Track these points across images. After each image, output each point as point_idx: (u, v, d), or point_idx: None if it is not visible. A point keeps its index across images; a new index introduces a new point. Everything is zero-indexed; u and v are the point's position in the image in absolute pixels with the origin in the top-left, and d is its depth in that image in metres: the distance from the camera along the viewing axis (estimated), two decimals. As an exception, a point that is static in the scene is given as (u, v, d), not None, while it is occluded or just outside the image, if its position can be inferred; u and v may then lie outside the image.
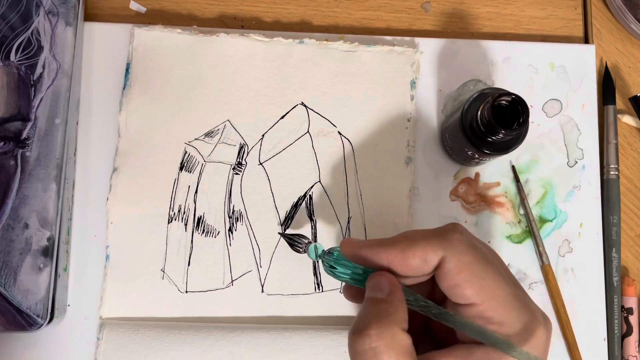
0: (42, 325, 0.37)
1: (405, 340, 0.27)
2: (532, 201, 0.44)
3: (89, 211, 0.41)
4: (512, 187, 0.44)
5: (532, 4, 0.48)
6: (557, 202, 0.44)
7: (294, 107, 0.43)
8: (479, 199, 0.44)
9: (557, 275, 0.43)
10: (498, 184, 0.44)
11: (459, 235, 0.29)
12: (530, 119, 0.40)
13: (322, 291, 0.41)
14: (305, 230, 0.42)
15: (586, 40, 0.48)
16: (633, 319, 0.44)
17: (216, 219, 0.41)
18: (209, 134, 0.42)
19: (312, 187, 0.42)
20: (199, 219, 0.41)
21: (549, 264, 0.43)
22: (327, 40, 0.44)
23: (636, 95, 0.47)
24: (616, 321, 0.43)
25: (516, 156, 0.44)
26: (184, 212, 0.41)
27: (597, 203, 0.45)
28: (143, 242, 0.41)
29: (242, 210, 0.42)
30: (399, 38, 0.45)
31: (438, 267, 0.29)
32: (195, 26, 0.44)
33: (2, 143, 0.39)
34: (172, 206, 0.41)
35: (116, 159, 0.42)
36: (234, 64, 0.43)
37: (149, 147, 0.42)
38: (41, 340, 0.40)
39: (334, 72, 0.44)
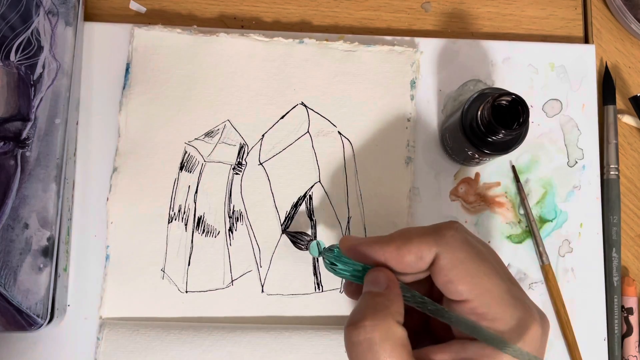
0: (42, 325, 0.37)
1: (400, 333, 0.27)
2: (532, 201, 0.44)
3: (89, 211, 0.41)
4: (512, 187, 0.44)
5: (532, 4, 0.48)
6: (557, 202, 0.44)
7: (294, 107, 0.43)
8: (479, 199, 0.44)
9: (557, 275, 0.43)
10: (498, 184, 0.44)
11: (453, 232, 0.29)
12: (530, 119, 0.40)
13: (322, 291, 0.41)
14: (305, 230, 0.42)
15: (586, 40, 0.48)
16: (633, 319, 0.44)
17: (216, 219, 0.41)
18: (209, 134, 0.42)
19: (312, 187, 0.42)
20: (199, 219, 0.41)
21: (549, 264, 0.43)
22: (327, 40, 0.44)
23: (636, 95, 0.47)
24: (616, 321, 0.43)
25: (516, 156, 0.44)
26: (184, 212, 0.41)
27: (597, 203, 0.45)
28: (143, 242, 0.41)
29: (242, 210, 0.42)
30: (399, 38, 0.45)
31: (433, 264, 0.29)
32: (195, 26, 0.44)
33: (2, 143, 0.39)
34: (172, 206, 0.41)
35: (116, 159, 0.42)
36: (234, 64, 0.43)
37: (149, 147, 0.42)
38: (41, 340, 0.40)
39: (334, 72, 0.44)
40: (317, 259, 0.41)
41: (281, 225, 0.42)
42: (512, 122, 0.36)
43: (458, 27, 0.47)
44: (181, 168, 0.42)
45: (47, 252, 0.38)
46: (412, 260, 0.29)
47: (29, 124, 0.39)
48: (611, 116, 0.46)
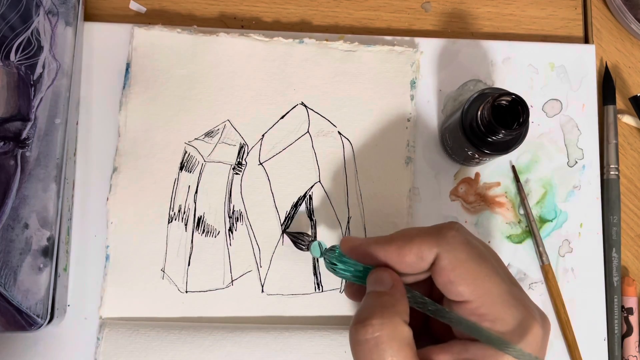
0: (42, 325, 0.37)
1: (407, 332, 0.27)
2: (532, 201, 0.44)
3: (89, 211, 0.41)
4: (512, 187, 0.44)
5: (532, 4, 0.48)
6: (557, 202, 0.44)
7: (294, 107, 0.43)
8: (479, 199, 0.44)
9: (557, 275, 0.43)
10: (498, 184, 0.44)
11: (454, 233, 0.29)
12: (530, 119, 0.40)
13: (322, 291, 0.41)
14: (305, 230, 0.42)
15: (586, 40, 0.48)
16: (633, 319, 0.44)
17: (216, 219, 0.41)
18: (209, 134, 0.42)
19: (312, 187, 0.42)
20: (199, 219, 0.41)
21: (549, 264, 0.43)
22: (327, 40, 0.44)
23: (636, 95, 0.47)
24: (616, 321, 0.43)
25: (516, 156, 0.44)
26: (184, 212, 0.41)
27: (597, 203, 0.45)
28: (143, 242, 0.41)
29: (242, 210, 0.42)
30: (399, 38, 0.45)
31: (433, 264, 0.29)
32: (195, 26, 0.44)
33: (2, 143, 0.39)
34: (172, 206, 0.41)
35: (116, 159, 0.42)
36: (233, 63, 0.43)
37: (149, 147, 0.42)
38: (41, 340, 0.40)
39: (334, 72, 0.44)
40: (317, 259, 0.41)
41: (281, 225, 0.42)
42: (512, 122, 0.36)
43: (458, 27, 0.47)
44: (181, 168, 0.42)
45: (47, 252, 0.38)
46: (413, 260, 0.29)
47: (29, 124, 0.39)
48: (611, 116, 0.46)
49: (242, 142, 0.42)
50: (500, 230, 0.44)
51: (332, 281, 0.41)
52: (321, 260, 0.41)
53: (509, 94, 0.36)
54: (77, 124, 0.42)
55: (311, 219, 0.42)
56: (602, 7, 0.49)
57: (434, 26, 0.47)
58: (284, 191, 0.42)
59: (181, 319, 0.40)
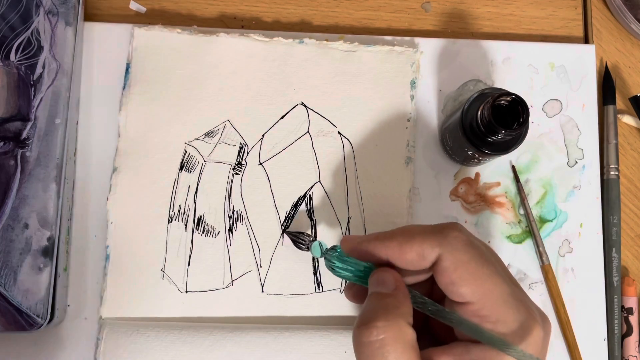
0: (42, 325, 0.37)
1: (411, 334, 0.27)
2: (532, 201, 0.44)
3: (89, 211, 0.41)
4: (512, 187, 0.44)
5: (532, 4, 0.48)
6: (557, 202, 0.44)
7: (294, 107, 0.43)
8: (479, 199, 0.44)
9: (557, 275, 0.43)
10: (498, 184, 0.44)
11: (457, 233, 0.29)
12: (530, 119, 0.40)
13: (322, 291, 0.41)
14: (305, 230, 0.42)
15: (586, 40, 0.48)
16: (633, 319, 0.44)
17: (216, 219, 0.41)
18: (209, 134, 0.42)
19: (312, 187, 0.42)
20: (199, 219, 0.41)
21: (549, 264, 0.43)
22: (327, 40, 0.44)
23: (636, 95, 0.47)
24: (616, 321, 0.43)
25: (516, 156, 0.44)
26: (184, 212, 0.41)
27: (597, 203, 0.45)
28: (143, 242, 0.41)
29: (242, 210, 0.42)
30: (399, 38, 0.45)
31: (435, 264, 0.29)
32: (195, 26, 0.44)
33: (2, 143, 0.39)
34: (172, 206, 0.41)
35: (116, 159, 0.42)
36: (233, 64, 0.43)
37: (149, 147, 0.42)
38: (41, 340, 0.40)
39: (334, 72, 0.44)
40: (317, 259, 0.41)
41: (281, 225, 0.42)
42: (512, 122, 0.36)
43: (458, 27, 0.47)
44: (181, 168, 0.42)
45: (47, 252, 0.38)
46: (414, 258, 0.29)
47: (29, 124, 0.39)
48: (611, 116, 0.46)
49: (242, 142, 0.42)
50: (500, 230, 0.44)
51: (332, 281, 0.41)
52: (321, 260, 0.41)
53: (509, 94, 0.36)
54: (77, 124, 0.42)
55: (311, 219, 0.42)
56: (602, 7, 0.49)
57: (434, 26, 0.47)
58: (284, 191, 0.42)
59: (181, 319, 0.40)
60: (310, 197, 0.42)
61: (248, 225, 0.42)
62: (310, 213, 0.42)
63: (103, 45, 0.43)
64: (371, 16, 0.47)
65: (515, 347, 0.26)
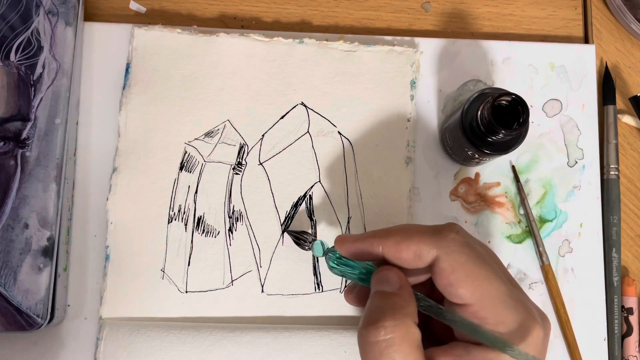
0: (42, 325, 0.37)
1: (417, 334, 0.27)
2: (532, 201, 0.44)
3: (89, 211, 0.41)
4: (512, 187, 0.44)
5: (532, 4, 0.48)
6: (557, 202, 0.44)
7: (294, 107, 0.43)
8: (479, 199, 0.44)
9: (557, 275, 0.43)
10: (498, 184, 0.44)
11: (454, 235, 0.29)
12: (530, 119, 0.40)
13: (322, 291, 0.41)
14: (305, 230, 0.42)
15: (586, 40, 0.48)
16: (633, 319, 0.44)
17: (216, 219, 0.41)
18: (209, 134, 0.42)
19: (312, 187, 0.42)
20: (199, 219, 0.41)
21: (549, 264, 0.43)
22: (327, 40, 0.44)
23: (636, 95, 0.47)
24: (616, 321, 0.43)
25: (516, 156, 0.44)
26: (184, 212, 0.41)
27: (597, 203, 0.45)
28: (143, 242, 0.41)
29: (242, 210, 0.42)
30: (399, 38, 0.45)
31: (433, 266, 0.29)
32: (195, 26, 0.44)
33: (2, 143, 0.39)
34: (172, 206, 0.41)
35: (116, 159, 0.42)
36: (233, 63, 0.43)
37: (149, 147, 0.42)
38: (41, 340, 0.40)
39: (334, 72, 0.44)
40: (318, 259, 0.41)
41: (281, 225, 0.42)
42: (512, 122, 0.36)
43: (458, 27, 0.47)
44: (181, 168, 0.42)
45: (47, 252, 0.38)
46: (410, 257, 0.29)
47: (29, 124, 0.39)
48: (611, 116, 0.46)
49: (242, 142, 0.42)
50: (500, 230, 0.44)
51: (332, 281, 0.41)
52: (322, 260, 0.41)
53: (509, 94, 0.36)
54: (77, 124, 0.42)
55: (311, 219, 0.42)
56: (602, 7, 0.49)
57: (434, 26, 0.47)
58: (284, 191, 0.42)
59: (181, 319, 0.40)
60: (310, 197, 0.42)
61: (248, 225, 0.42)
62: (310, 213, 0.42)
63: (103, 45, 0.43)
64: (371, 16, 0.47)
65: (515, 348, 0.26)
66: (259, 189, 0.42)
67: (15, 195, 0.38)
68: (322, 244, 0.36)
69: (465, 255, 0.29)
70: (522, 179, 0.44)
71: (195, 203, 0.41)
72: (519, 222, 0.44)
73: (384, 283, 0.29)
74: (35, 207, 0.38)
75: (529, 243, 0.44)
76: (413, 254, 0.29)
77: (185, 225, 0.41)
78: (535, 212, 0.44)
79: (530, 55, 0.46)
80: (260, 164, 0.42)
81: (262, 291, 0.41)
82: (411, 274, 0.31)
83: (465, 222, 0.43)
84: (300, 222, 0.42)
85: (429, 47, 0.45)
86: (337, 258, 0.33)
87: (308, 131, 0.43)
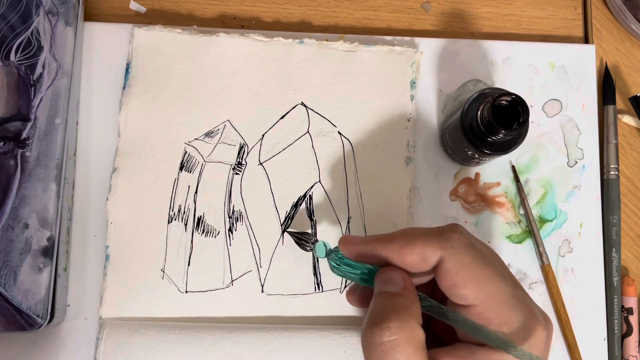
0: (42, 325, 0.37)
1: (422, 335, 0.27)
2: (532, 201, 0.44)
3: (89, 211, 0.41)
4: (512, 187, 0.44)
5: (532, 4, 0.48)
6: (557, 202, 0.44)
7: (294, 107, 0.43)
8: (479, 199, 0.44)
9: (557, 275, 0.43)
10: (498, 184, 0.44)
11: (458, 236, 0.29)
12: (530, 119, 0.40)
13: (322, 291, 0.41)
14: (305, 230, 0.42)
15: (586, 40, 0.48)
16: (633, 319, 0.44)
17: (216, 219, 0.41)
18: (209, 134, 0.42)
19: (312, 187, 0.42)
20: (199, 219, 0.41)
21: (549, 264, 0.43)
22: (327, 40, 0.44)
23: (636, 95, 0.47)
24: (616, 321, 0.43)
25: (516, 156, 0.44)
26: (184, 212, 0.41)
27: (597, 203, 0.45)
28: (143, 242, 0.41)
29: (242, 210, 0.42)
30: (399, 38, 0.45)
31: (437, 267, 0.29)
32: (195, 26, 0.44)
33: (2, 143, 0.39)
34: (172, 206, 0.41)
35: (116, 159, 0.42)
36: (233, 64, 0.43)
37: (149, 147, 0.42)
38: (41, 340, 0.40)
39: (334, 72, 0.44)
40: (318, 259, 0.41)
41: (281, 225, 0.42)
42: (512, 122, 0.36)
43: (458, 27, 0.47)
44: (181, 168, 0.42)
45: (47, 252, 0.38)
46: (415, 261, 0.29)
47: (29, 124, 0.39)
48: (611, 116, 0.46)
49: (242, 142, 0.42)
50: (500, 230, 0.44)
51: (332, 281, 0.41)
52: (322, 260, 0.41)
53: (509, 94, 0.36)
54: (77, 124, 0.42)
55: (311, 219, 0.42)
56: (602, 7, 0.49)
57: (434, 26, 0.47)
58: (284, 191, 0.42)
59: (181, 319, 0.40)
60: (310, 197, 0.42)
61: (248, 225, 0.42)
62: (310, 213, 0.42)
63: (103, 45, 0.43)
64: (371, 16, 0.47)
65: (519, 348, 0.27)
66: (259, 189, 0.42)
67: (15, 195, 0.38)
68: (324, 244, 0.36)
69: (470, 256, 0.29)
70: (522, 179, 0.44)
71: (195, 203, 0.42)
72: (519, 222, 0.44)
73: (388, 283, 0.29)
74: (35, 207, 0.38)
75: (529, 243, 0.44)
76: (418, 257, 0.29)
77: (185, 225, 0.41)
78: (535, 212, 0.44)
79: (530, 55, 0.46)
80: (260, 164, 0.42)
81: (262, 291, 0.41)
82: (413, 275, 0.31)
83: (465, 222, 0.43)
84: (300, 222, 0.42)
85: (429, 47, 0.45)
86: (339, 259, 0.33)
87: (308, 131, 0.43)
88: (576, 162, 0.45)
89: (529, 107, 0.42)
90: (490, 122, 0.36)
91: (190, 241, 0.41)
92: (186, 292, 0.40)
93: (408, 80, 0.44)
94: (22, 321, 0.37)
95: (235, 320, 0.40)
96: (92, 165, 0.42)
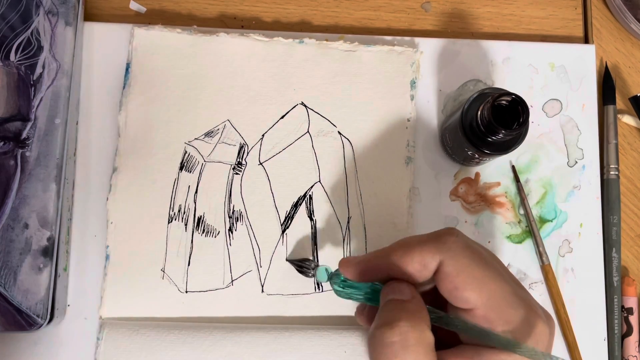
0: (42, 325, 0.37)
1: (431, 338, 0.27)
2: (532, 201, 0.44)
3: (89, 211, 0.41)
4: (512, 187, 0.44)
5: (532, 4, 0.48)
6: (557, 202, 0.44)
7: (294, 107, 0.43)
8: (479, 199, 0.44)
9: (557, 275, 0.43)
10: (498, 184, 0.44)
11: (454, 238, 0.29)
12: (530, 119, 0.40)
13: (322, 291, 0.41)
14: (305, 230, 0.42)
15: (586, 40, 0.48)
16: (633, 319, 0.44)
17: (216, 218, 0.41)
18: (209, 134, 0.42)
19: (312, 187, 0.42)
20: (199, 219, 0.41)
21: (549, 264, 0.43)
22: (327, 40, 0.44)
23: (636, 95, 0.47)
24: (616, 321, 0.43)
25: (516, 156, 0.44)
26: (184, 212, 0.41)
27: (597, 203, 0.45)
28: (143, 242, 0.41)
29: (242, 210, 0.42)
30: (399, 38, 0.45)
31: (437, 272, 0.29)
32: (195, 26, 0.44)
33: (2, 143, 0.39)
34: (172, 206, 0.41)
35: (116, 159, 0.42)
36: (233, 64, 0.43)
37: (149, 147, 0.42)
38: (41, 340, 0.40)
39: (334, 72, 0.44)
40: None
41: (281, 225, 0.42)
42: (512, 122, 0.36)
43: (458, 27, 0.47)
44: (181, 168, 0.42)
45: (47, 252, 0.38)
46: (416, 269, 0.29)
47: (29, 124, 0.39)
48: (611, 116, 0.46)
49: (242, 142, 0.42)
50: (500, 230, 0.44)
51: (332, 281, 0.41)
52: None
53: (509, 94, 0.36)
54: (77, 124, 0.42)
55: (311, 219, 0.42)
56: (602, 7, 0.49)
57: (434, 26, 0.47)
58: (284, 191, 0.42)
59: (181, 319, 0.40)
60: (310, 197, 0.42)
61: (248, 225, 0.42)
62: (310, 213, 0.42)
63: (103, 45, 0.43)
64: (371, 16, 0.47)
65: (524, 346, 0.27)
66: (259, 189, 0.42)
67: (15, 195, 0.38)
68: (325, 269, 0.36)
69: (468, 257, 0.29)
70: (522, 179, 0.44)
71: (195, 203, 0.41)
72: (519, 222, 0.44)
73: (396, 293, 0.29)
74: (35, 207, 0.38)
75: (529, 243, 0.44)
76: (418, 265, 0.29)
77: (185, 225, 0.41)
78: (535, 212, 0.44)
79: (530, 55, 0.46)
80: (260, 163, 0.42)
81: (262, 291, 0.41)
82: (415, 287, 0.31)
83: (465, 222, 0.43)
84: (300, 222, 0.42)
85: (429, 47, 0.45)
86: (342, 281, 0.33)
87: (308, 131, 0.43)
88: (576, 162, 0.45)
89: (529, 107, 0.42)
90: (490, 122, 0.36)
91: (191, 241, 0.41)
92: (186, 292, 0.40)
93: (408, 80, 0.44)
94: (22, 321, 0.37)
95: (235, 320, 0.40)
96: (92, 165, 0.42)
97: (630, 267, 0.46)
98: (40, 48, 0.40)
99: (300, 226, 0.42)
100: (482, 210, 0.44)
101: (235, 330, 0.39)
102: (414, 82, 0.44)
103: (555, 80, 0.46)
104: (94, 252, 0.41)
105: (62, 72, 0.40)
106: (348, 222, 0.42)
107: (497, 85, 0.45)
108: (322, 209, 0.42)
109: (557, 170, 0.45)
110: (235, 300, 0.41)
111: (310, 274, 0.40)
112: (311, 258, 0.41)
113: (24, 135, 0.39)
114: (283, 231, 0.42)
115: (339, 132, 0.43)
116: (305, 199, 0.42)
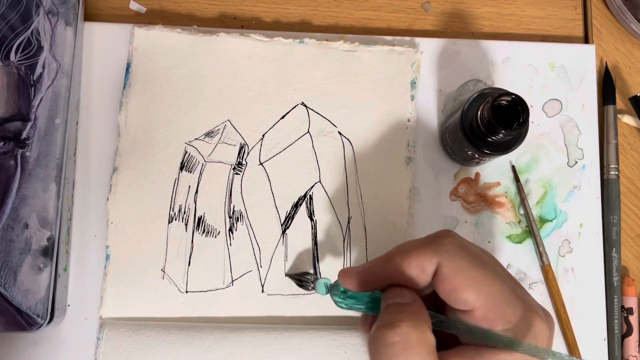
0: (42, 325, 0.37)
1: (433, 339, 0.27)
2: (532, 201, 0.44)
3: (89, 211, 0.41)
4: (512, 187, 0.44)
5: (532, 4, 0.48)
6: (557, 202, 0.44)
7: (294, 107, 0.43)
8: (479, 199, 0.44)
9: (557, 275, 0.43)
10: (498, 184, 0.44)
11: (450, 240, 0.29)
12: (530, 119, 0.40)
13: (322, 291, 0.41)
14: (306, 231, 0.42)
15: (586, 40, 0.48)
16: (633, 319, 0.44)
17: (216, 219, 0.41)
18: (209, 134, 0.42)
19: (312, 187, 0.42)
20: (199, 219, 0.41)
21: (549, 264, 0.43)
22: (327, 40, 0.44)
23: (636, 95, 0.47)
24: (616, 321, 0.43)
25: (516, 156, 0.44)
26: (184, 212, 0.41)
27: (597, 203, 0.45)
28: (143, 242, 0.41)
29: (243, 210, 0.42)
30: (399, 38, 0.45)
31: (435, 275, 0.29)
32: (195, 26, 0.44)
33: (2, 143, 0.39)
34: (172, 206, 0.41)
35: (116, 159, 0.42)
36: (233, 63, 0.43)
37: (149, 147, 0.42)
38: (41, 340, 0.40)
39: (334, 72, 0.44)
40: (318, 258, 0.41)
41: (281, 225, 0.42)
42: (512, 122, 0.36)
43: (458, 27, 0.47)
44: (181, 168, 0.42)
45: (47, 252, 0.38)
46: (415, 274, 0.29)
47: (29, 124, 0.39)
48: (611, 116, 0.46)
49: (242, 142, 0.42)
50: (500, 230, 0.44)
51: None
52: (322, 261, 0.41)
53: (509, 94, 0.36)
54: (77, 124, 0.42)
55: (311, 219, 0.42)
56: (602, 7, 0.49)
57: (434, 26, 0.47)
58: (284, 191, 0.42)
59: (181, 319, 0.40)
60: (311, 197, 0.42)
61: (248, 225, 0.42)
62: (310, 213, 0.42)
63: (103, 45, 0.43)
64: (371, 16, 0.47)
65: (524, 343, 0.27)
66: (259, 189, 0.42)
67: (15, 195, 0.38)
68: (325, 283, 0.36)
69: (465, 258, 0.29)
70: (522, 179, 0.44)
71: (195, 203, 0.41)
72: (519, 222, 0.44)
73: (397, 297, 0.29)
74: (35, 207, 0.38)
75: (529, 243, 0.44)
76: (416, 269, 0.29)
77: (186, 225, 0.41)
78: (535, 212, 0.44)
79: (530, 55, 0.46)
80: (261, 164, 0.42)
81: (263, 291, 0.41)
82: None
83: (466, 222, 0.43)
84: (300, 223, 0.42)
85: (429, 47, 0.45)
86: (342, 292, 0.33)
87: (308, 131, 0.43)
88: (576, 162, 0.45)
89: (529, 107, 0.42)
90: (490, 122, 0.36)
91: (191, 241, 0.41)
92: (186, 292, 0.40)
93: (408, 80, 0.44)
94: (22, 321, 0.37)
95: (235, 320, 0.40)
96: (92, 165, 0.42)
97: (630, 267, 0.46)
98: (40, 48, 0.40)
99: (301, 226, 0.42)
100: (482, 210, 0.44)
101: (236, 331, 0.39)
102: (414, 82, 0.44)
103: (555, 80, 0.46)
104: (94, 252, 0.41)
105: (62, 72, 0.40)
106: (348, 222, 0.42)
107: (497, 85, 0.45)
108: (322, 209, 0.42)
109: (557, 170, 0.45)
110: (236, 301, 0.41)
111: (310, 287, 0.40)
112: (311, 271, 0.41)
113: (24, 135, 0.39)
114: (283, 231, 0.42)
115: (339, 132, 0.43)
116: (306, 199, 0.42)
